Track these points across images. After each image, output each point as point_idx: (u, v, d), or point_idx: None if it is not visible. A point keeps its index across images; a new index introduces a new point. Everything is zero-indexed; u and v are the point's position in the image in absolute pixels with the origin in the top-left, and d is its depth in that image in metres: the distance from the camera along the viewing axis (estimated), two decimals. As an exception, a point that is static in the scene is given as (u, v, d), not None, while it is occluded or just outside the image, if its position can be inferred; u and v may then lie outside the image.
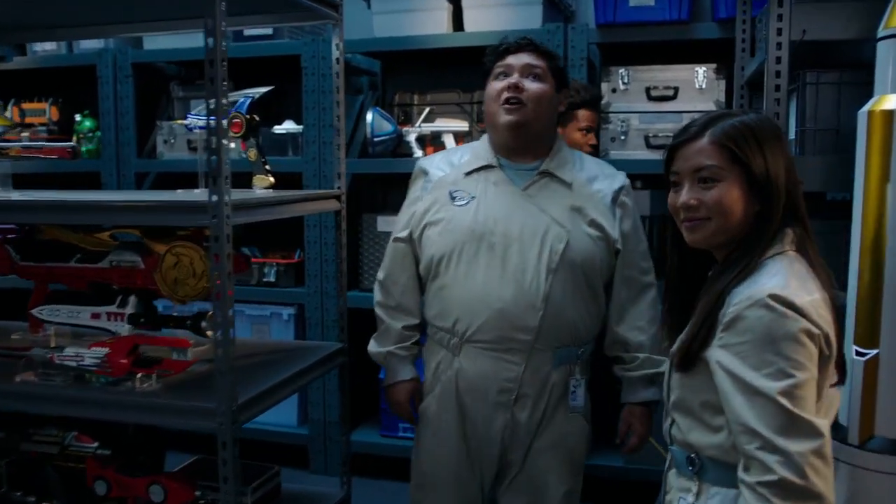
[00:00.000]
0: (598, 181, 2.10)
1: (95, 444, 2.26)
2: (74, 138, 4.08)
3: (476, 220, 1.99)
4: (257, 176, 2.06)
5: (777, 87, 1.86)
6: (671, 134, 3.39)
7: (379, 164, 3.58)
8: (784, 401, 1.27)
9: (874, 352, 1.83)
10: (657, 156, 3.39)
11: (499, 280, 1.95)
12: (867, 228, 1.81)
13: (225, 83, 1.58)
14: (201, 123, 2.14)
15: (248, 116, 2.06)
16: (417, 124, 3.61)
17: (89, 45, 4.03)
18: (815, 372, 1.31)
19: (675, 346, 1.47)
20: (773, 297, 1.30)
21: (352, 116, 3.97)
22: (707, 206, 1.41)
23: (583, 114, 2.92)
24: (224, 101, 1.60)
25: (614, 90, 3.41)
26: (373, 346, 2.22)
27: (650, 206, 3.27)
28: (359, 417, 3.75)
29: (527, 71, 2.02)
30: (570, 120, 2.90)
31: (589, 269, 2.01)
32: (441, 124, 3.60)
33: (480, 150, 2.11)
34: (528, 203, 2.01)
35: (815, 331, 1.31)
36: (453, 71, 3.86)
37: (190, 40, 3.80)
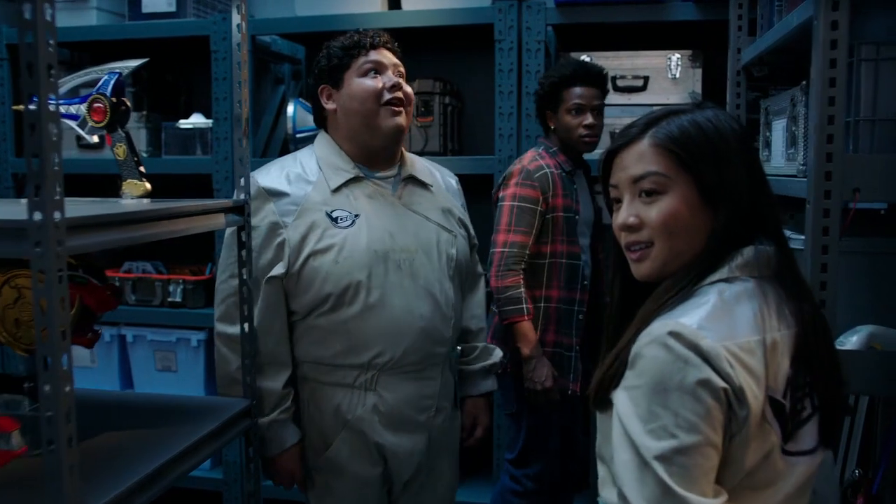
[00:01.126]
0: (440, 178, 2.07)
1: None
2: (-59, 134, 3.45)
3: (373, 240, 1.83)
4: (128, 181, 1.53)
5: (832, 63, 1.40)
6: (640, 130, 3.00)
7: (302, 164, 3.05)
8: (658, 467, 1.03)
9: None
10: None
11: (415, 298, 1.85)
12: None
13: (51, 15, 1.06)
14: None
15: (113, 100, 1.53)
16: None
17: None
18: (711, 436, 1.04)
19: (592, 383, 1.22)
20: (674, 334, 1.06)
21: (272, 109, 3.45)
22: (650, 227, 1.16)
23: (570, 92, 2.55)
24: (53, 66, 1.07)
25: (575, 79, 2.96)
26: None
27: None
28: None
29: (397, 71, 1.91)
30: (559, 102, 2.57)
31: (464, 269, 2.02)
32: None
33: (331, 160, 1.90)
34: (409, 212, 1.91)
35: (720, 383, 1.04)
36: (389, 57, 3.37)
37: (75, 17, 3.24)
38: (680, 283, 1.14)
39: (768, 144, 2.05)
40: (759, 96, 2.19)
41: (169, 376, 3.34)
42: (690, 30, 2.94)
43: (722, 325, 1.07)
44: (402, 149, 1.99)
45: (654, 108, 2.90)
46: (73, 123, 1.60)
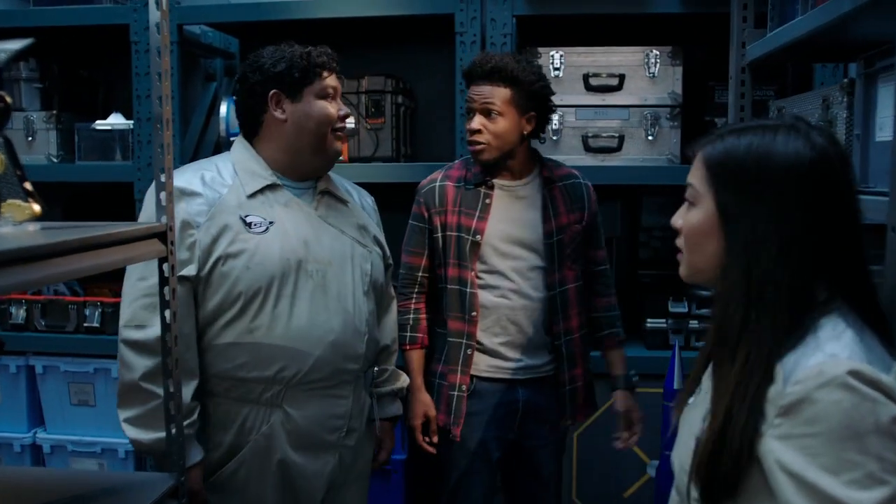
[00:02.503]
0: (356, 196, 2.08)
1: None
2: None
3: (286, 248, 1.81)
4: (8, 202, 1.16)
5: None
6: (616, 134, 2.73)
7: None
8: None
9: None
10: (598, 161, 2.68)
11: (325, 310, 1.83)
12: None
13: None
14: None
15: (-12, 95, 1.17)
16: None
17: None
18: None
19: (688, 447, 1.10)
20: (856, 374, 0.97)
21: (202, 109, 3.09)
22: (682, 233, 1.19)
23: (470, 91, 2.11)
24: None
25: (544, 77, 2.67)
26: (140, 433, 1.72)
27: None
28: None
29: (343, 99, 1.99)
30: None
31: (379, 287, 2.01)
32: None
33: (249, 166, 1.88)
34: (325, 224, 1.91)
35: None
36: (334, 51, 3.02)
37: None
38: (739, 326, 1.06)
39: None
40: (771, 96, 1.93)
41: (86, 412, 2.95)
42: (669, 24, 2.69)
43: (874, 355, 1.01)
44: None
45: (630, 108, 2.68)
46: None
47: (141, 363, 1.70)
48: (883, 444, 0.95)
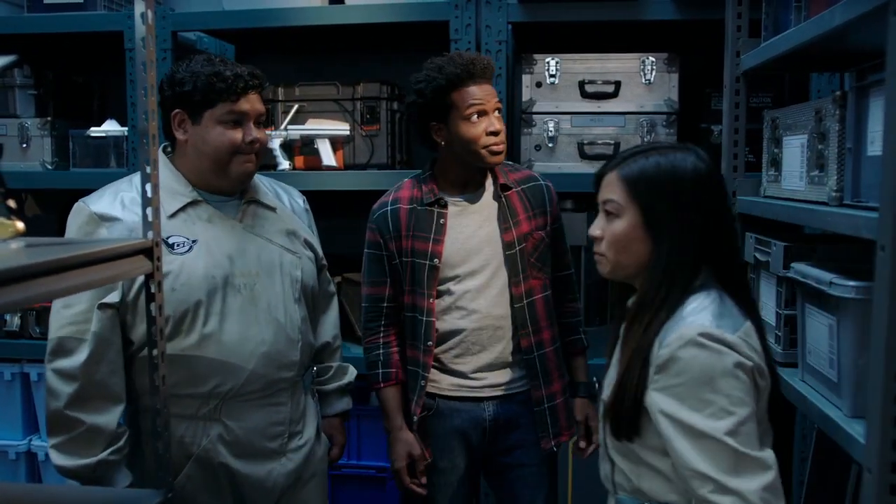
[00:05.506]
0: (286, 199, 2.05)
1: None
2: None
3: (210, 265, 1.79)
4: (-10, 220, 1.16)
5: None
6: (611, 141, 2.71)
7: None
8: (730, 440, 1.25)
9: None
10: (594, 168, 2.65)
11: (256, 323, 1.83)
12: None
13: None
14: None
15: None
16: (283, 126, 2.75)
17: None
18: (753, 405, 1.29)
19: (605, 395, 1.44)
20: (705, 334, 1.29)
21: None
22: (605, 241, 1.42)
23: (464, 93, 1.96)
24: None
25: (539, 84, 2.66)
26: (65, 460, 1.73)
27: (586, 232, 2.52)
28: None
29: (259, 119, 1.87)
30: (448, 110, 1.97)
31: (311, 290, 2.00)
32: (314, 126, 2.76)
33: (168, 184, 1.81)
34: (251, 235, 1.89)
35: (748, 363, 1.29)
36: (329, 57, 3.03)
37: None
38: (667, 296, 1.35)
39: (776, 163, 1.78)
40: (768, 104, 1.91)
41: (80, 419, 2.94)
42: (665, 30, 2.67)
43: (727, 320, 1.32)
44: None
45: (626, 115, 2.67)
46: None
47: (66, 390, 1.70)
48: (729, 385, 1.27)
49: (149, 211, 1.28)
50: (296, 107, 2.77)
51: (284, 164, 2.72)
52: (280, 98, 2.79)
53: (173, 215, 1.79)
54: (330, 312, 2.15)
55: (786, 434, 2.22)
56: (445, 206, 2.04)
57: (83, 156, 2.90)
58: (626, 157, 1.41)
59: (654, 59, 2.61)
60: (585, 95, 2.66)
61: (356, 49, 2.89)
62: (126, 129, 2.83)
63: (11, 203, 1.17)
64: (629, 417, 1.35)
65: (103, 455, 1.73)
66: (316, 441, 2.01)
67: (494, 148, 1.97)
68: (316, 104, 2.80)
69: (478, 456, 2.12)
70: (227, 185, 1.87)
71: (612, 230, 1.40)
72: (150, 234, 1.28)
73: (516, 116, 2.71)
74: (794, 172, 1.66)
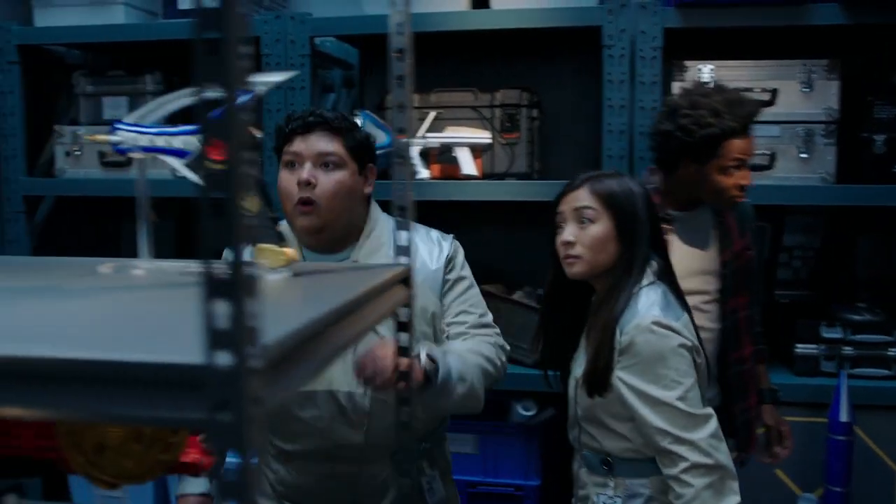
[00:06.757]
0: (425, 253, 1.84)
1: None
2: (-63, 148, 2.98)
3: None
4: (262, 247, 1.09)
5: None
6: (766, 151, 2.59)
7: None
8: (681, 404, 1.62)
9: None
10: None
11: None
12: None
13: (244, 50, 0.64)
14: (144, 142, 1.18)
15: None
16: (421, 134, 2.67)
17: (-43, 19, 2.93)
18: (695, 375, 1.67)
19: (581, 372, 1.74)
20: (656, 323, 1.65)
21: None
22: (582, 244, 1.72)
23: (731, 145, 1.93)
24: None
25: (690, 92, 2.55)
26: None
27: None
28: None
29: (320, 160, 1.75)
30: (710, 157, 1.94)
31: None
32: (455, 134, 2.68)
33: (287, 237, 1.73)
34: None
35: (689, 343, 1.68)
36: (465, 62, 2.94)
37: (99, 15, 2.78)
38: (626, 291, 1.69)
39: None
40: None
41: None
42: (825, 35, 2.55)
43: (672, 311, 1.69)
44: (369, 225, 1.85)
45: (783, 125, 2.55)
46: (175, 162, 1.16)
47: None
48: (676, 361, 1.63)
49: (403, 234, 1.21)
50: (433, 114, 2.69)
51: (423, 173, 2.65)
52: (416, 105, 2.72)
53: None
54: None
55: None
56: (669, 221, 2.00)
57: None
58: (591, 177, 1.75)
59: (814, 66, 2.50)
60: (739, 103, 2.56)
61: (494, 54, 2.81)
62: (260, 134, 2.78)
63: (280, 227, 1.10)
64: (601, 380, 1.68)
65: None
66: None
67: (737, 199, 1.98)
68: (452, 111, 2.73)
69: None
70: (304, 241, 1.78)
71: (591, 233, 1.71)
72: (405, 259, 1.21)
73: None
74: None
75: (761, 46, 2.64)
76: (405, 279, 1.17)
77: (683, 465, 1.59)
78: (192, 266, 1.15)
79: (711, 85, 2.01)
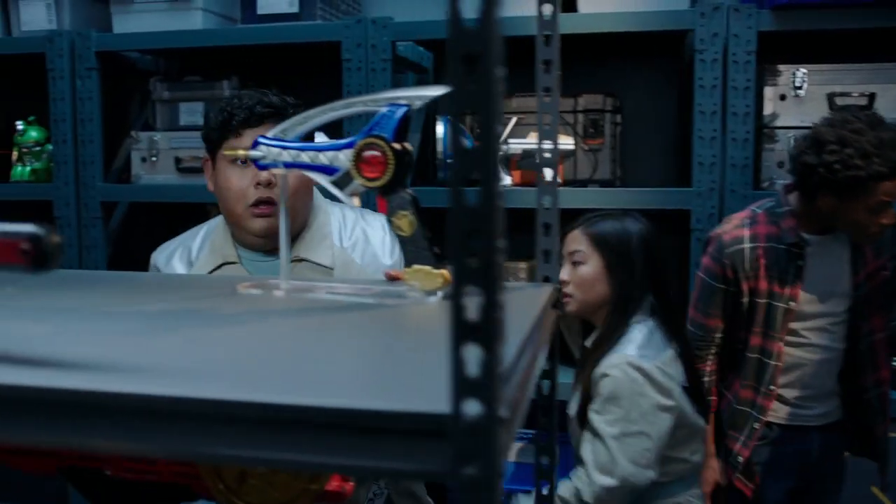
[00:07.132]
0: (361, 243, 1.70)
1: None
2: (14, 153, 2.99)
3: None
4: (416, 269, 1.05)
5: None
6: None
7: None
8: (613, 444, 1.68)
9: None
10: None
11: None
12: None
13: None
14: (286, 157, 1.15)
15: (396, 146, 1.06)
16: (502, 139, 2.63)
17: (35, 25, 2.93)
18: (659, 423, 1.71)
19: (573, 409, 1.86)
20: (628, 363, 1.72)
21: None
22: (573, 283, 1.86)
23: (878, 187, 1.83)
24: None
25: (783, 97, 2.49)
26: None
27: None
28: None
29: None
30: (853, 197, 1.86)
31: None
32: (534, 140, 2.62)
33: (216, 240, 1.68)
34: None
35: (661, 385, 1.72)
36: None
37: (177, 20, 2.77)
38: (614, 330, 1.79)
39: None
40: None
41: None
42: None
43: (649, 350, 1.76)
44: (310, 218, 1.68)
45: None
46: (321, 178, 1.13)
47: None
48: (631, 403, 1.69)
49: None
50: (514, 119, 2.65)
51: (506, 179, 2.61)
52: (496, 110, 2.67)
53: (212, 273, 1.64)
54: None
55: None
56: (804, 246, 1.96)
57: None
58: (588, 219, 1.88)
59: (912, 69, 2.42)
60: (833, 108, 2.48)
61: (576, 57, 2.75)
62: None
63: (437, 250, 1.06)
64: (585, 416, 1.77)
65: None
66: None
67: (877, 237, 1.92)
68: (534, 116, 2.68)
69: (801, 486, 2.09)
70: (251, 242, 1.63)
71: (579, 275, 1.84)
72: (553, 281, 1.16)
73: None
74: None
75: (856, 48, 2.56)
76: (556, 303, 1.13)
77: (578, 497, 1.73)
78: (343, 287, 1.11)
79: (862, 118, 1.87)
